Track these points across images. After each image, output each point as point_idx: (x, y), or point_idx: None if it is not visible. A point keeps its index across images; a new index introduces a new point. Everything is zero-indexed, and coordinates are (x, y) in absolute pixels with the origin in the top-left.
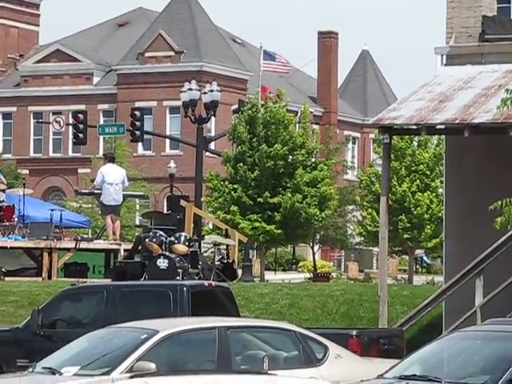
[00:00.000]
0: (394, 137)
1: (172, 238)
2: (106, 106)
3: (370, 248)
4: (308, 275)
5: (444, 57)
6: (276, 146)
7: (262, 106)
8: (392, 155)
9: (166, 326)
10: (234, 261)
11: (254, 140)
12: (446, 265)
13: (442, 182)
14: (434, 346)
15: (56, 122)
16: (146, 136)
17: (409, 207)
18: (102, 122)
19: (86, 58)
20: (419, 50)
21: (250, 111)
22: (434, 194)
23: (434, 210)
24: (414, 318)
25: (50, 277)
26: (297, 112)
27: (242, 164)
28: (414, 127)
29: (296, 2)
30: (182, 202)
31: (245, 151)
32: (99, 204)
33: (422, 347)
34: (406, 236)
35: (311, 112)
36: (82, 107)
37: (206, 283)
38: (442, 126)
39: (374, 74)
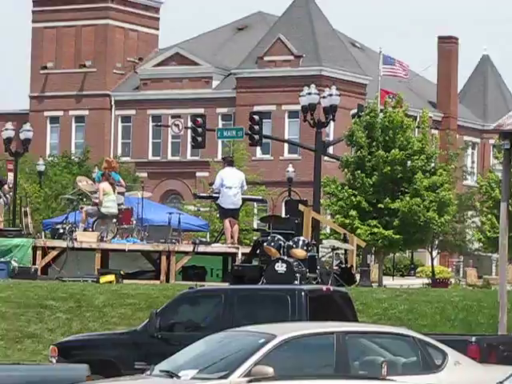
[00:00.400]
0: None
1: (290, 243)
2: (224, 110)
3: (490, 254)
4: (426, 281)
5: None
6: (393, 151)
7: (381, 110)
8: None
9: (284, 331)
10: (352, 266)
11: (373, 145)
12: None
13: None
14: None
15: (175, 125)
16: (264, 140)
17: None
18: (220, 126)
19: (205, 62)
20: None
21: (368, 116)
22: None
23: None
24: None
25: (167, 280)
26: (416, 117)
27: (359, 171)
28: None
29: (415, 6)
30: (301, 207)
31: (364, 156)
32: (218, 208)
33: None
34: None
35: (430, 117)
36: (201, 111)
37: (324, 288)
38: None
39: (495, 79)
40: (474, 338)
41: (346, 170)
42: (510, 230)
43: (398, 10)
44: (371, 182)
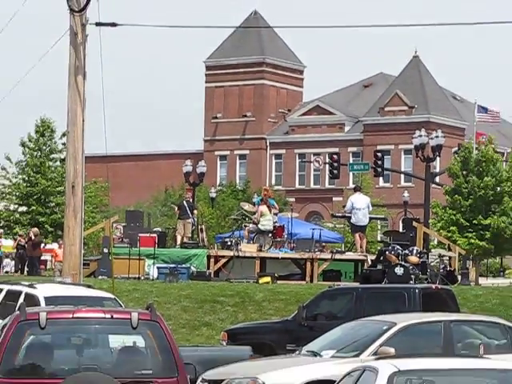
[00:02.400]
0: None
1: (406, 251)
2: (354, 149)
3: None
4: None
5: None
6: (486, 178)
7: (476, 148)
8: None
9: (403, 319)
10: (454, 269)
11: (469, 175)
12: None
13: None
14: None
15: (316, 161)
16: (385, 172)
17: None
18: (351, 162)
19: (339, 112)
20: None
21: (463, 153)
22: None
23: None
24: None
25: (311, 280)
26: (503, 153)
27: (457, 195)
28: None
29: (506, 58)
30: (414, 223)
31: (461, 183)
32: (350, 225)
33: None
34: None
35: None
36: (336, 150)
37: (434, 286)
38: None
39: None
40: None
41: (448, 195)
42: None
43: (491, 62)
44: (467, 204)
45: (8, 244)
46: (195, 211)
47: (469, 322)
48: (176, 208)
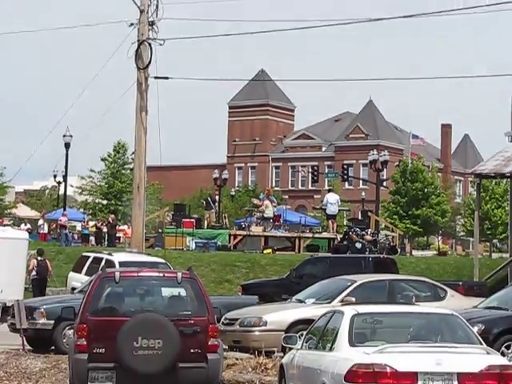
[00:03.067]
0: (482, 179)
1: (363, 232)
2: (329, 163)
3: (469, 238)
4: (434, 252)
5: (510, 137)
6: (416, 183)
7: (411, 163)
8: (481, 189)
9: (361, 278)
10: (396, 244)
11: (406, 181)
12: (510, 247)
13: (508, 204)
14: (504, 291)
15: (302, 171)
16: (349, 178)
17: (490, 217)
18: (326, 171)
19: (318, 138)
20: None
21: (402, 166)
22: (504, 210)
23: (504, 218)
24: (492, 276)
25: (299, 252)
26: (429, 166)
27: (398, 195)
28: (493, 174)
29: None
30: (369, 213)
31: (400, 187)
32: (325, 214)
33: (497, 292)
34: (488, 232)
35: (437, 166)
36: (316, 163)
37: (381, 256)
38: (508, 174)
39: (472, 147)
40: (461, 283)
41: (391, 194)
42: (479, 225)
43: (423, 103)
44: (404, 201)
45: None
46: (216, 204)
47: (405, 281)
48: (204, 203)
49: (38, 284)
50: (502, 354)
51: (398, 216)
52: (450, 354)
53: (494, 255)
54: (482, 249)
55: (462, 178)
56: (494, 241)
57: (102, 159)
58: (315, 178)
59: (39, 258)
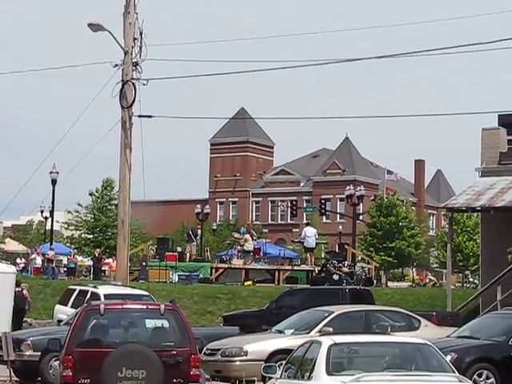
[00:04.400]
0: (454, 213)
1: (340, 264)
2: (307, 198)
3: (442, 269)
4: (409, 283)
5: (480, 172)
6: (390, 217)
7: (386, 197)
8: (453, 222)
9: (338, 309)
10: (371, 276)
11: (381, 215)
12: (481, 279)
13: (479, 236)
14: (476, 321)
15: (282, 205)
16: (327, 212)
17: (462, 249)
18: (304, 205)
19: (297, 173)
20: (467, 169)
21: (378, 201)
22: (475, 242)
23: (475, 250)
24: (465, 306)
25: (278, 284)
26: (403, 200)
27: (373, 228)
28: (464, 208)
29: (397, 135)
30: (345, 246)
31: (376, 221)
32: (303, 247)
33: (470, 322)
34: (460, 264)
35: (411, 200)
36: (295, 198)
37: (358, 287)
38: (479, 208)
39: (444, 181)
40: (434, 313)
41: (368, 227)
42: (452, 257)
43: (397, 142)
44: (380, 234)
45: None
46: (197, 237)
47: (380, 311)
48: (186, 236)
49: (14, 315)
50: (474, 382)
51: (373, 248)
52: (424, 382)
53: (466, 286)
54: (455, 280)
55: (435, 212)
56: (466, 272)
57: (90, 194)
58: (294, 212)
59: (16, 289)
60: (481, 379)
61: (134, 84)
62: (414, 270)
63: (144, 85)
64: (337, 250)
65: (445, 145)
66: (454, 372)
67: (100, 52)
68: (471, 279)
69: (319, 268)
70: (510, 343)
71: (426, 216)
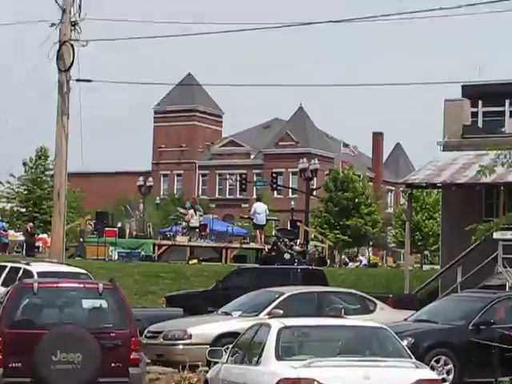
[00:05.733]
0: (414, 189)
1: (292, 243)
2: (257, 171)
3: (400, 249)
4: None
5: (441, 146)
6: (346, 193)
7: (342, 172)
8: (412, 199)
9: (288, 290)
10: (325, 255)
11: (337, 190)
12: (441, 259)
13: (439, 214)
14: (434, 304)
15: (230, 179)
16: (278, 187)
17: (421, 228)
18: (255, 179)
19: (247, 145)
20: (429, 142)
21: (333, 175)
22: (435, 221)
23: (435, 229)
24: (423, 288)
25: (225, 262)
26: (360, 175)
27: (329, 203)
28: (424, 184)
29: (358, 108)
30: (298, 223)
31: (331, 196)
32: (253, 224)
33: (428, 305)
34: (419, 243)
35: (368, 175)
36: (244, 171)
37: (310, 267)
38: (440, 184)
39: (403, 156)
40: (391, 295)
41: (322, 203)
42: (410, 237)
43: (353, 111)
44: (335, 210)
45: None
46: (139, 212)
47: (334, 293)
48: (124, 210)
49: None
50: (432, 368)
51: (328, 226)
52: (379, 368)
53: (425, 267)
54: (413, 260)
55: (394, 188)
56: (426, 252)
57: (24, 163)
58: (243, 186)
59: None
60: (438, 365)
61: (72, 45)
62: (370, 249)
63: (83, 46)
64: (288, 228)
65: (405, 118)
66: (410, 357)
67: (36, 10)
68: (430, 259)
69: (269, 246)
70: (469, 327)
71: (383, 192)
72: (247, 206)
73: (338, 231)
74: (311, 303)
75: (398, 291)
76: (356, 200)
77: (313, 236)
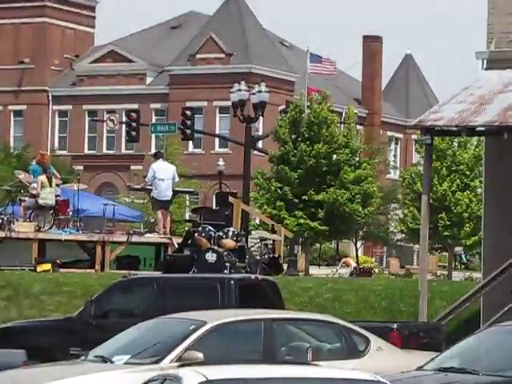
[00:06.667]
0: (436, 137)
1: (220, 233)
2: (158, 106)
3: (411, 245)
4: (349, 270)
5: (484, 61)
6: (317, 145)
7: (308, 107)
8: (434, 155)
9: (214, 318)
10: (279, 255)
11: (299, 139)
12: (485, 261)
13: (481, 181)
14: (472, 339)
15: (110, 120)
16: (196, 135)
17: (449, 206)
18: (154, 121)
19: (139, 59)
20: (461, 54)
21: (293, 112)
22: (473, 194)
23: (474, 208)
24: (452, 312)
25: (102, 269)
26: (341, 113)
27: (283, 165)
28: (455, 129)
29: (342, 7)
30: (230, 199)
31: (288, 151)
32: (151, 199)
33: (461, 341)
34: (445, 233)
35: (356, 113)
36: (135, 106)
37: (253, 277)
38: (482, 128)
39: (417, 77)
40: (395, 325)
41: (272, 164)
42: (430, 222)
43: (325, 10)
44: (296, 176)
45: None
46: None
47: (295, 321)
48: None
49: None
50: None
51: (284, 204)
52: None
53: (457, 275)
54: (435, 263)
55: (401, 136)
56: (457, 249)
57: None
58: (133, 133)
59: None
60: None
61: None
62: (359, 244)
63: None
64: (214, 207)
65: (418, 13)
66: None
67: None
68: (465, 261)
69: (181, 240)
70: None
71: (383, 143)
72: (140, 167)
73: (302, 213)
74: (255, 339)
75: (408, 317)
76: (334, 157)
77: (257, 221)
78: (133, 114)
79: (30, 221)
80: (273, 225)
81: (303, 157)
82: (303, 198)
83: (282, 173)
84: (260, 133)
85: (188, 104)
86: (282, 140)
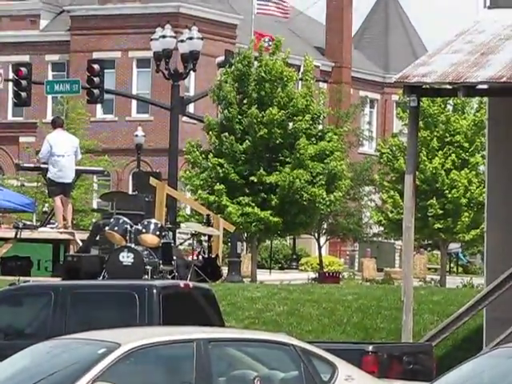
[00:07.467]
0: (424, 99)
1: (139, 227)
2: (56, 58)
3: (392, 241)
4: (313, 275)
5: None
6: (270, 109)
7: (256, 58)
8: (421, 122)
9: (130, 338)
10: (217, 256)
11: (245, 102)
12: (488, 263)
13: (483, 157)
14: (472, 365)
15: None
16: (106, 96)
17: (442, 189)
18: (50, 78)
19: None
20: None
21: (239, 65)
22: (473, 173)
23: (474, 192)
24: (446, 329)
25: None
26: (299, 66)
27: (227, 133)
28: (449, 87)
29: None
30: (152, 181)
31: (233, 116)
32: (46, 182)
33: (457, 367)
34: (437, 226)
35: (317, 66)
36: (26, 58)
37: (182, 284)
38: (485, 86)
39: (399, 19)
40: (371, 347)
41: (210, 133)
42: (418, 211)
43: None
44: (242, 149)
45: None
46: None
47: (238, 342)
48: None
49: None
50: None
51: (225, 187)
52: None
53: (451, 280)
54: (424, 265)
55: (378, 96)
56: (453, 247)
57: None
58: (22, 94)
59: None
60: None
61: None
62: (322, 240)
63: None
64: (130, 192)
65: None
66: None
67: None
68: (462, 262)
69: (87, 235)
70: None
71: (354, 106)
72: (33, 140)
73: (248, 199)
74: (184, 365)
75: (387, 337)
76: (290, 126)
77: (188, 211)
78: (22, 69)
79: None
80: (208, 215)
81: (252, 124)
82: (250, 179)
83: (222, 146)
84: (191, 93)
85: (95, 55)
86: (225, 101)
